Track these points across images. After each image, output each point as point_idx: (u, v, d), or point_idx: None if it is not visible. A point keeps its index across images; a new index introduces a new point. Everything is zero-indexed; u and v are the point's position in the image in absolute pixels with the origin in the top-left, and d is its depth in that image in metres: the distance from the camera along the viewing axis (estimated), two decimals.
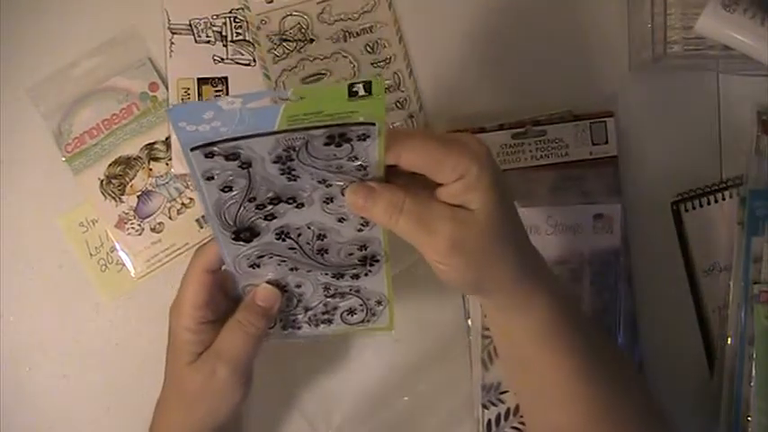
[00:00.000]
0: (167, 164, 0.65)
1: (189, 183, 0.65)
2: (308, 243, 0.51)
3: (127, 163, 0.65)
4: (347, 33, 0.65)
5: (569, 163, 0.63)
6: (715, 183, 0.64)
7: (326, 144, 0.44)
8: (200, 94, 0.64)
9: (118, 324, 0.65)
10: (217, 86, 0.65)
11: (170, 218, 0.65)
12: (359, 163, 0.45)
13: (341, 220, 0.49)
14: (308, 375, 0.65)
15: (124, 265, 0.65)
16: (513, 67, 0.65)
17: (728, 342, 0.62)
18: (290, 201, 0.48)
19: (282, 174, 0.46)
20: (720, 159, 0.65)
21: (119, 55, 0.65)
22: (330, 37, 0.65)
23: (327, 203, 0.48)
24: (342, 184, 0.47)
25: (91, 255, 0.65)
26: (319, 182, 0.47)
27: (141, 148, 0.65)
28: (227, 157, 0.44)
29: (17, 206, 0.65)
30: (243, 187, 0.46)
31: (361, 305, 0.55)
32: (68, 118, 0.65)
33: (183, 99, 0.64)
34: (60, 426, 0.65)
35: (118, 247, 0.65)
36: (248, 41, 0.65)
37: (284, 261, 0.52)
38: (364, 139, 0.44)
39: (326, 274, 0.53)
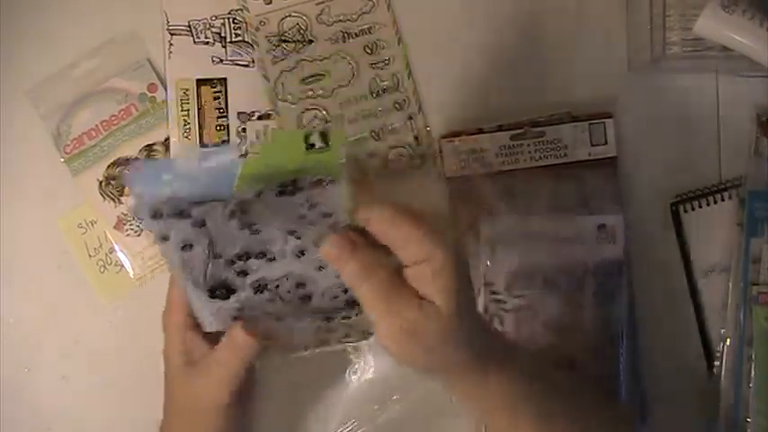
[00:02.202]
0: None
1: None
2: (289, 292, 0.49)
3: (126, 164, 0.65)
4: (346, 34, 0.65)
5: (568, 164, 0.63)
6: (714, 184, 0.64)
7: (280, 194, 0.43)
8: (198, 95, 0.64)
9: (117, 325, 0.65)
10: (216, 87, 0.65)
11: None
12: (321, 210, 0.44)
13: (319, 268, 0.47)
14: (306, 377, 0.64)
15: (123, 266, 0.65)
16: (512, 67, 0.65)
17: (727, 343, 0.62)
18: (260, 255, 0.46)
19: (243, 228, 0.44)
20: (719, 160, 0.65)
21: (118, 56, 0.65)
22: (329, 38, 0.65)
23: (300, 257, 0.47)
24: (312, 235, 0.45)
25: (90, 256, 0.65)
26: (288, 233, 0.45)
27: (140, 150, 0.65)
28: (175, 216, 0.43)
29: (16, 207, 0.65)
30: (205, 245, 0.45)
31: (355, 331, 0.55)
32: (67, 119, 0.65)
33: (181, 101, 0.64)
34: (60, 426, 0.65)
35: (117, 248, 0.65)
36: (247, 42, 0.65)
37: (269, 314, 0.50)
38: (319, 184, 0.43)
39: (315, 321, 0.52)
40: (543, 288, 0.62)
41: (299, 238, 0.45)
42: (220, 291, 0.48)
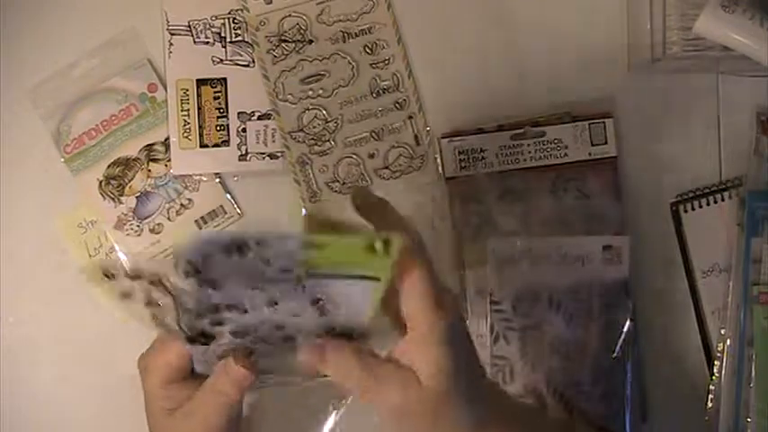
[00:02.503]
0: (166, 165, 0.65)
1: (188, 184, 0.65)
2: (270, 335, 0.47)
3: (126, 164, 0.65)
4: (346, 34, 0.65)
5: (568, 164, 0.63)
6: (714, 184, 0.64)
7: (228, 256, 0.41)
8: (198, 95, 0.64)
9: (116, 325, 0.65)
10: (216, 87, 0.65)
11: (169, 219, 0.65)
12: (280, 266, 0.42)
13: (294, 315, 0.45)
14: (294, 409, 0.63)
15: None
16: (512, 68, 0.65)
17: (728, 343, 0.62)
18: (231, 308, 0.44)
19: (202, 286, 0.42)
20: (720, 160, 0.65)
21: (118, 56, 0.65)
22: (329, 38, 0.65)
23: (273, 306, 0.44)
24: (276, 290, 0.43)
25: (90, 255, 0.65)
26: (252, 289, 0.43)
27: (140, 150, 0.65)
28: (132, 278, 0.42)
29: (16, 207, 0.65)
30: (168, 305, 0.44)
31: None
32: (67, 119, 0.65)
33: (181, 100, 0.64)
34: (60, 426, 0.65)
35: (117, 247, 0.65)
36: (247, 42, 0.65)
37: (258, 353, 0.48)
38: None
39: None
40: (549, 308, 0.62)
41: (262, 290, 0.43)
42: (199, 339, 0.46)
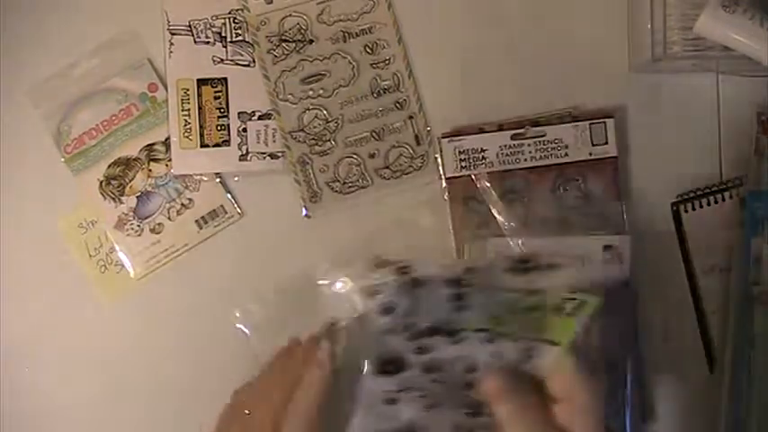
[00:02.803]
0: (167, 165, 0.65)
1: (188, 184, 0.65)
2: (456, 376, 0.47)
3: (126, 164, 0.65)
4: (346, 34, 0.65)
5: (569, 164, 0.63)
6: (715, 183, 0.64)
7: (510, 270, 0.44)
8: (199, 95, 0.64)
9: (117, 325, 0.65)
10: (216, 87, 0.65)
11: (169, 219, 0.65)
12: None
13: (495, 357, 0.46)
14: None
15: (123, 266, 0.65)
16: (513, 68, 0.65)
17: (728, 343, 0.62)
18: (450, 334, 0.45)
19: (450, 300, 0.44)
20: (720, 160, 0.65)
21: (118, 56, 0.65)
22: (329, 38, 0.65)
23: (487, 344, 0.45)
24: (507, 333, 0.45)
25: (90, 256, 0.65)
26: (484, 332, 0.44)
27: (141, 149, 0.65)
28: (398, 269, 0.44)
29: (16, 207, 0.65)
30: (404, 310, 0.45)
31: None
32: (68, 119, 0.65)
33: (182, 100, 0.64)
34: (60, 426, 0.65)
35: (117, 247, 0.65)
36: (248, 42, 0.65)
37: (423, 396, 0.47)
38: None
39: (458, 415, 0.48)
40: None
41: (490, 341, 0.45)
42: (389, 366, 0.46)
